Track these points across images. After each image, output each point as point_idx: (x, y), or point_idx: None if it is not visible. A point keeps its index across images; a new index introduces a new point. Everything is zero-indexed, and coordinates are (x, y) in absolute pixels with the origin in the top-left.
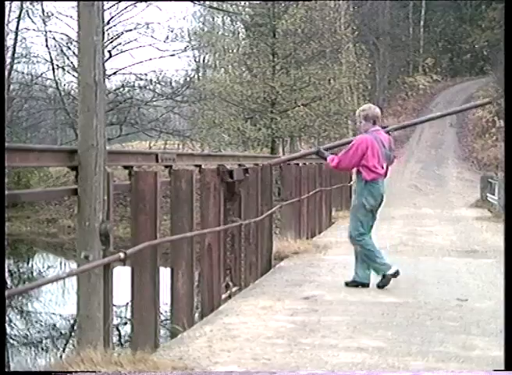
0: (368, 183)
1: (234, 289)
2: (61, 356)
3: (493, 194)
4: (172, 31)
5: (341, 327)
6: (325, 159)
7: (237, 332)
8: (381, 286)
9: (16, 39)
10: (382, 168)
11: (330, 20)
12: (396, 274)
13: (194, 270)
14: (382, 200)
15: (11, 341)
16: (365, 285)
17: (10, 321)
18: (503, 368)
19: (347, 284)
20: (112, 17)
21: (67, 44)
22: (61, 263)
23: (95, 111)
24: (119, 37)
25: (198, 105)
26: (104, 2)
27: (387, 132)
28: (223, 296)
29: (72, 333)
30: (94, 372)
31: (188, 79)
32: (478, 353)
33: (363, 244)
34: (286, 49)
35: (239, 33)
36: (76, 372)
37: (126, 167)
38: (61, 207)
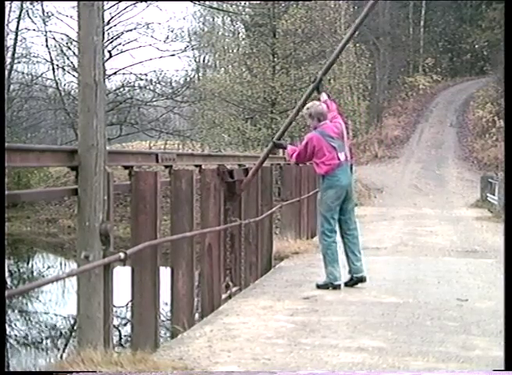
0: (325, 177)
1: (234, 289)
2: (61, 356)
3: (493, 195)
4: (172, 31)
5: (341, 327)
6: (285, 148)
7: (237, 332)
8: (319, 286)
9: (16, 39)
10: (338, 159)
11: (330, 20)
12: (337, 287)
13: (194, 270)
14: (346, 190)
15: (11, 341)
16: (362, 279)
17: (10, 321)
18: (503, 368)
19: (346, 284)
20: (112, 17)
21: (67, 44)
22: (61, 263)
23: (95, 111)
24: (119, 37)
25: (198, 105)
26: (105, 2)
27: (318, 83)
28: (223, 296)
29: (73, 334)
30: (95, 372)
31: (188, 79)
32: (478, 353)
33: (326, 244)
34: (286, 49)
35: (239, 33)
36: (76, 372)
37: (126, 167)
38: (61, 207)
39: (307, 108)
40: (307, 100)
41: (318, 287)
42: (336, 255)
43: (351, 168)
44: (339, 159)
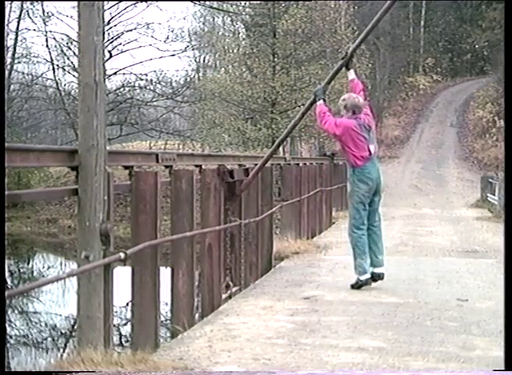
0: (355, 170)
1: (234, 289)
2: (61, 356)
3: (493, 195)
4: (172, 31)
5: (341, 327)
6: (320, 100)
7: (237, 332)
8: (352, 285)
9: (16, 39)
10: (368, 151)
11: (330, 20)
12: (364, 283)
13: (195, 270)
14: (376, 184)
15: (11, 341)
16: (380, 276)
17: (10, 321)
18: (503, 368)
19: (367, 281)
20: (113, 17)
21: (67, 44)
22: (61, 263)
23: (95, 111)
24: (119, 37)
25: (198, 105)
26: (105, 2)
27: (349, 58)
28: (223, 296)
29: (73, 334)
30: (94, 372)
31: (188, 79)
32: (478, 353)
33: (355, 237)
34: (287, 49)
35: (239, 33)
36: (76, 372)
37: (126, 167)
38: (61, 207)
39: (343, 100)
40: (335, 76)
41: (352, 287)
42: (366, 248)
43: None
44: (369, 152)
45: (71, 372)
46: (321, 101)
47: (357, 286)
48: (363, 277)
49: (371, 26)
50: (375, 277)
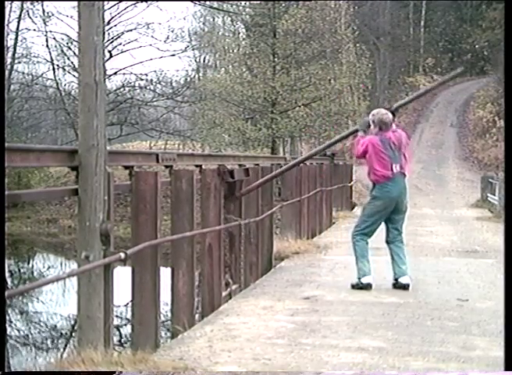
0: (375, 186)
1: (234, 287)
2: (61, 356)
3: (494, 195)
4: (172, 31)
5: (341, 327)
6: (357, 131)
7: (238, 332)
8: (353, 285)
9: (16, 39)
10: (391, 170)
11: (330, 20)
12: (364, 286)
13: (195, 270)
14: (396, 203)
15: (11, 341)
16: (405, 286)
17: (10, 321)
18: (503, 368)
19: (394, 286)
20: (113, 17)
21: (67, 44)
22: (61, 263)
23: (96, 111)
24: (119, 37)
25: (199, 105)
26: (105, 2)
27: (392, 112)
28: (223, 294)
29: (73, 334)
30: (95, 372)
31: (188, 79)
32: (478, 353)
33: (354, 241)
34: (287, 49)
35: (239, 33)
36: (76, 372)
37: (126, 167)
38: (61, 207)
39: (372, 115)
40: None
41: (353, 287)
42: (365, 252)
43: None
44: (392, 170)
45: (71, 372)
46: (361, 133)
47: (357, 287)
48: (363, 280)
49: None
50: (400, 286)
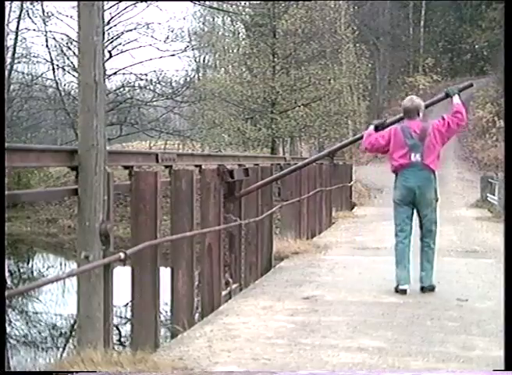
0: (396, 176)
1: (234, 286)
2: (61, 356)
3: (493, 195)
4: (172, 31)
5: (341, 327)
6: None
7: (237, 332)
8: (396, 290)
9: (16, 39)
10: (409, 159)
11: (330, 20)
12: (399, 291)
13: (194, 270)
14: (414, 194)
15: (11, 340)
16: (422, 290)
17: (10, 321)
18: (503, 368)
19: (422, 290)
20: (112, 17)
21: (67, 44)
22: (61, 263)
23: (95, 111)
24: (119, 37)
25: (198, 105)
26: (105, 2)
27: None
28: (223, 293)
29: (73, 333)
30: (95, 371)
31: (188, 79)
32: (478, 353)
33: (394, 244)
34: (287, 49)
35: (239, 33)
36: (76, 372)
37: (126, 167)
38: (61, 207)
39: (403, 102)
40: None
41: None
42: (401, 257)
43: (434, 175)
44: (410, 159)
45: (71, 372)
46: (372, 127)
47: (395, 291)
48: (400, 287)
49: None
50: (422, 290)
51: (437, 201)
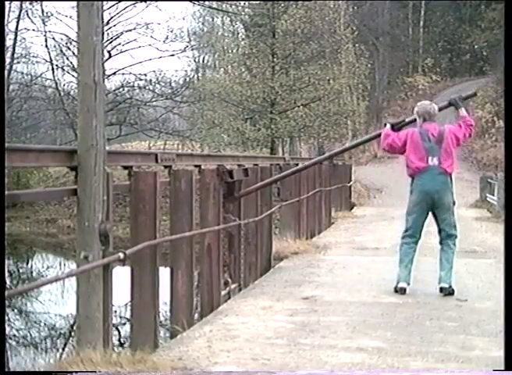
0: (412, 180)
1: (233, 286)
2: (60, 357)
3: (493, 195)
4: (171, 31)
5: (340, 328)
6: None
7: (237, 332)
8: (395, 289)
9: (15, 39)
10: (426, 162)
11: (330, 21)
12: (398, 290)
13: (194, 270)
14: (432, 199)
15: (10, 341)
16: (441, 290)
17: (9, 321)
18: (502, 368)
19: (441, 291)
20: (112, 17)
21: (66, 44)
22: (60, 263)
23: (95, 111)
24: (118, 37)
25: (198, 106)
26: (104, 2)
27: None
28: (222, 293)
29: (72, 334)
30: (95, 372)
31: (187, 79)
32: (477, 353)
33: (400, 244)
34: (286, 49)
35: (238, 33)
36: (76, 372)
37: (125, 167)
38: (60, 207)
39: (416, 106)
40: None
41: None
42: (404, 257)
43: (450, 179)
44: (427, 163)
45: (71, 372)
46: (388, 126)
47: (394, 290)
48: (398, 285)
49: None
50: (440, 291)
51: (454, 204)
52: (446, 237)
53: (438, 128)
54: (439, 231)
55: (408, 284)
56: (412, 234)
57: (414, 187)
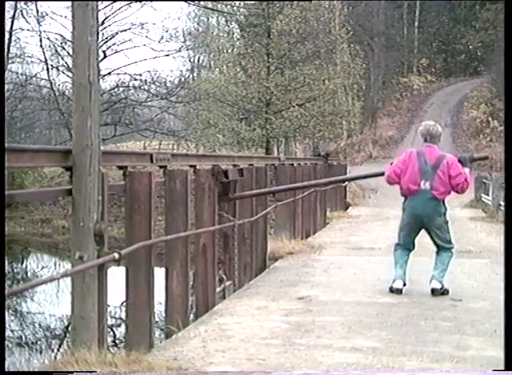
0: (405, 199)
1: (228, 283)
2: (55, 357)
3: (487, 195)
4: (166, 31)
5: (336, 327)
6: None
7: (232, 332)
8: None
9: (10, 39)
10: (418, 185)
11: (325, 21)
12: (394, 290)
13: (189, 270)
14: (421, 222)
15: (5, 341)
16: (432, 290)
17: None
18: (498, 368)
19: (433, 293)
20: (107, 17)
21: (61, 44)
22: (55, 264)
23: (89, 111)
24: (113, 37)
25: (193, 106)
26: (99, 2)
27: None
28: (217, 289)
29: (67, 334)
30: (95, 372)
31: (183, 79)
32: (472, 353)
33: (394, 249)
34: (281, 49)
35: (233, 33)
36: (75, 372)
37: (120, 167)
38: (55, 207)
39: (421, 126)
40: None
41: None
42: (399, 258)
43: (443, 202)
44: (419, 186)
45: (71, 372)
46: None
47: (390, 290)
48: (393, 285)
49: None
50: (432, 293)
51: (447, 223)
52: (442, 249)
53: (437, 154)
54: (435, 243)
55: (404, 285)
56: (403, 247)
57: (405, 207)
